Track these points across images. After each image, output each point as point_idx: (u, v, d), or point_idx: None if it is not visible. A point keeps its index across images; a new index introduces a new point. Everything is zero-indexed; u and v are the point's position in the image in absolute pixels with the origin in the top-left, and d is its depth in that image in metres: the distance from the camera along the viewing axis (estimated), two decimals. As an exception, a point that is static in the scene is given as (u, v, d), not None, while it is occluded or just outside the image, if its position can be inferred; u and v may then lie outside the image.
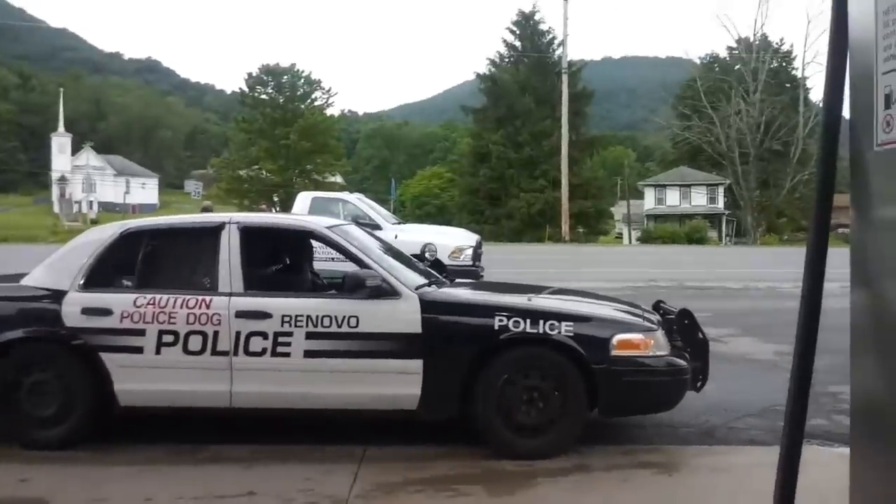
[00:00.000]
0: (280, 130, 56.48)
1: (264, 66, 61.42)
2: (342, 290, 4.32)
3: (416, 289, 4.28)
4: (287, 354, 4.08)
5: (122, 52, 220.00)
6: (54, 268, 4.48)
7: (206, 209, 15.18)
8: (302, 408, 4.20)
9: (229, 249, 4.32)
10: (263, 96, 60.74)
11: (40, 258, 4.69)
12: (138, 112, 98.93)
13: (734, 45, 54.25)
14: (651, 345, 4.11)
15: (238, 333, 4.10)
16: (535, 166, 48.08)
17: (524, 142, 48.39)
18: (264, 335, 4.09)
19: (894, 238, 1.62)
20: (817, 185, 1.92)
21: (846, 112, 1.84)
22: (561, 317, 4.11)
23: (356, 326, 4.07)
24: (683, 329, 4.45)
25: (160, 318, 4.13)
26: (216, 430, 4.41)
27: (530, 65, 51.06)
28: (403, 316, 4.09)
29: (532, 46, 51.72)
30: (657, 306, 4.96)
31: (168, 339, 4.12)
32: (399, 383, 4.05)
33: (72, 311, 4.19)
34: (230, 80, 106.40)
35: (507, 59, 52.99)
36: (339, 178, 60.83)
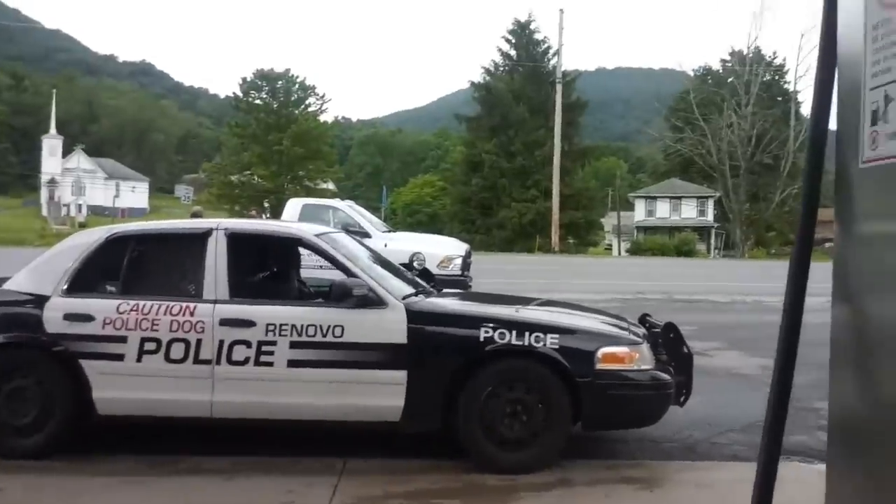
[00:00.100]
0: (273, 136, 56.36)
1: (259, 71, 61.37)
2: (328, 298, 4.30)
3: (403, 298, 4.27)
4: (270, 364, 4.05)
5: (116, 54, 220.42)
6: (38, 272, 4.44)
7: (195, 214, 15.10)
8: (284, 418, 4.17)
9: (216, 256, 4.30)
10: (257, 101, 60.59)
11: (27, 261, 4.65)
12: (131, 115, 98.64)
13: (727, 57, 54.75)
14: (636, 358, 4.11)
15: (221, 342, 4.07)
16: (527, 176, 48.24)
17: (517, 151, 48.52)
18: (248, 344, 4.06)
19: (876, 254, 1.62)
20: (803, 199, 1.92)
21: (833, 125, 1.84)
22: (546, 329, 4.10)
23: (341, 336, 4.05)
24: (668, 343, 4.45)
25: (143, 325, 4.09)
26: (196, 441, 4.37)
27: (525, 74, 51.23)
28: (389, 326, 4.07)
29: (527, 56, 51.94)
30: (643, 319, 4.96)
31: (150, 346, 4.08)
32: (382, 394, 4.02)
33: (53, 316, 4.15)
34: (224, 85, 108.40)
35: (501, 68, 53.18)
36: (331, 185, 60.72)
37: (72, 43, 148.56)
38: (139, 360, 4.08)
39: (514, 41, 52.81)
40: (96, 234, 4.62)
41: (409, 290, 4.56)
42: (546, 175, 44.50)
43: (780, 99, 53.07)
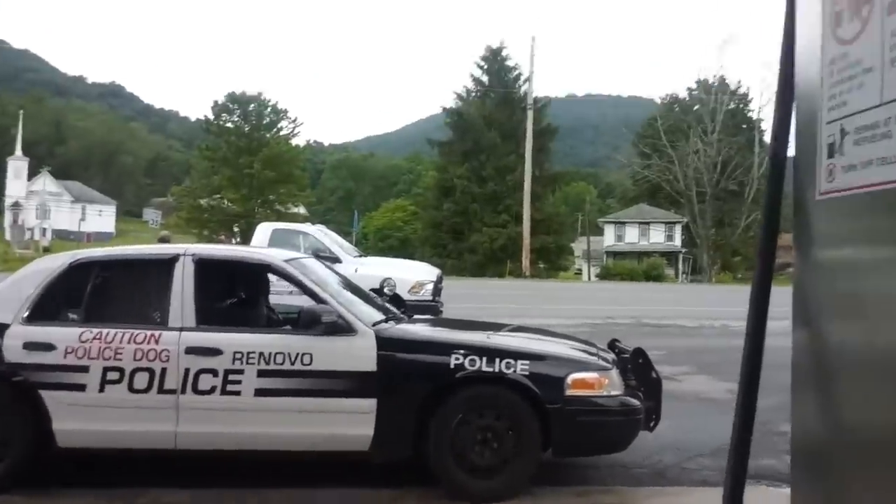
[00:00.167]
0: (244, 159, 56.05)
1: (231, 94, 61.15)
2: (297, 325, 4.26)
3: (373, 325, 4.24)
4: (238, 393, 3.98)
5: (85, 75, 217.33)
6: (-2, 299, 4.32)
7: (163, 239, 14.87)
8: (250, 449, 4.09)
9: (182, 282, 4.23)
10: (229, 124, 60.30)
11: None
12: (100, 137, 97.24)
13: (694, 86, 56.06)
14: (605, 384, 4.13)
15: (187, 371, 3.99)
16: (498, 201, 48.58)
17: (488, 176, 48.91)
18: (214, 373, 3.99)
19: (834, 281, 1.66)
20: (763, 226, 1.97)
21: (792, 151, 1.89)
22: (517, 355, 4.10)
23: (310, 364, 4.00)
24: (637, 368, 4.48)
25: (106, 354, 4.00)
26: (156, 473, 4.25)
27: (496, 100, 51.84)
28: (359, 353, 4.04)
29: (499, 82, 52.58)
30: (612, 345, 5.00)
31: (113, 376, 3.98)
32: (351, 423, 3.97)
33: (13, 345, 4.04)
34: (195, 108, 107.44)
35: (473, 94, 53.70)
36: (302, 209, 60.47)
37: (40, 63, 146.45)
38: (101, 390, 3.98)
39: (486, 67, 53.49)
40: (60, 260, 4.52)
41: (379, 316, 4.54)
42: (517, 200, 44.86)
43: (744, 127, 54.39)
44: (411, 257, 24.22)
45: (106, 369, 3.98)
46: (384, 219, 71.89)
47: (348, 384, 3.99)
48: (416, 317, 5.28)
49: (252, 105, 60.97)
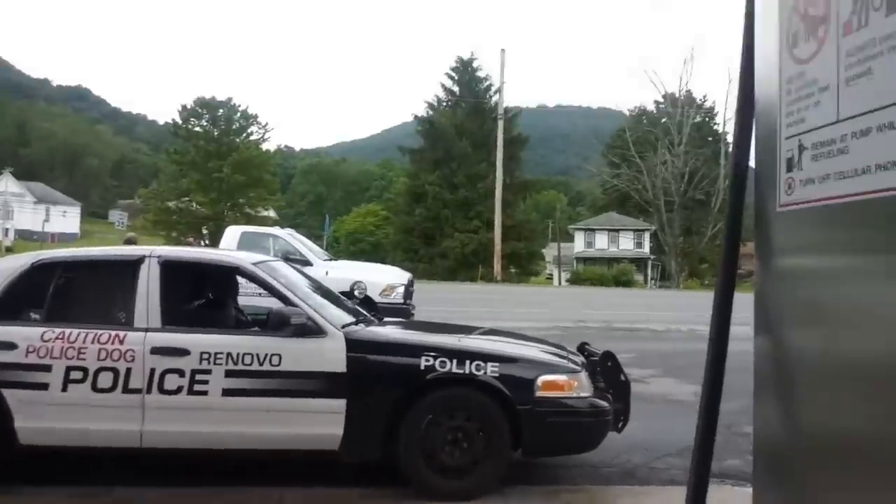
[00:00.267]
0: (213, 163, 55.41)
1: (199, 99, 60.47)
2: (266, 326, 4.23)
3: (343, 327, 4.22)
4: (205, 393, 3.94)
5: (51, 78, 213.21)
6: (-42, 298, 4.21)
7: (129, 241, 14.57)
8: (218, 448, 4.04)
9: (148, 283, 4.18)
10: (197, 129, 59.60)
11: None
12: (64, 138, 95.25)
13: (661, 99, 56.95)
14: (575, 386, 4.16)
15: (153, 370, 3.94)
16: (469, 207, 48.74)
17: (460, 183, 49.05)
18: (181, 373, 3.94)
19: (794, 290, 1.70)
20: (726, 235, 2.02)
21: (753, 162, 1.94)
22: (487, 357, 4.12)
23: (279, 365, 3.97)
24: (606, 371, 4.52)
25: (69, 354, 3.93)
26: (128, 472, 4.20)
27: (467, 109, 52.07)
28: (328, 354, 4.02)
29: (470, 92, 52.82)
30: (582, 348, 5.04)
31: (76, 375, 3.92)
32: (321, 423, 3.95)
33: (-27, 344, 3.94)
34: (163, 112, 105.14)
35: (444, 103, 53.90)
36: (272, 213, 59.90)
37: (4, 65, 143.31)
38: (64, 389, 3.92)
39: (456, 77, 53.74)
40: (22, 260, 4.45)
41: (349, 318, 4.52)
42: (488, 207, 45.04)
43: (710, 139, 55.38)
44: (383, 261, 24.17)
45: (69, 368, 3.92)
46: (355, 223, 71.61)
47: (317, 385, 3.97)
48: (386, 319, 5.27)
49: (221, 110, 60.34)
